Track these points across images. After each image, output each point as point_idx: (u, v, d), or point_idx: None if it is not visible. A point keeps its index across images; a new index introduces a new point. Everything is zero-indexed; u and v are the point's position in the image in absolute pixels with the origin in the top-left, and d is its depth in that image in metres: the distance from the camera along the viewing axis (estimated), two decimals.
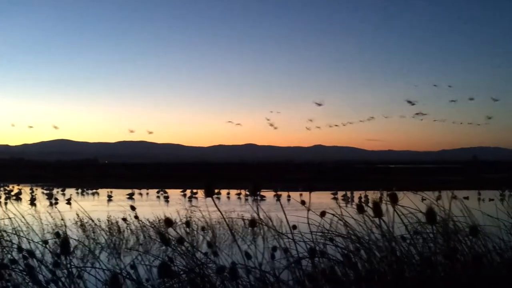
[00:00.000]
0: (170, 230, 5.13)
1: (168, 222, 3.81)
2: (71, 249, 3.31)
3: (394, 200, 3.68)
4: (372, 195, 23.63)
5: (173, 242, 4.11)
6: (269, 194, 28.60)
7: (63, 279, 4.02)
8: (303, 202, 4.21)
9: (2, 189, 34.43)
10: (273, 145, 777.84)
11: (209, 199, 3.35)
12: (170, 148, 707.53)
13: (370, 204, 3.82)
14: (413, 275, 4.10)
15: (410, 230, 4.69)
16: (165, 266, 2.83)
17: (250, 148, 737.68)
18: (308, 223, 4.55)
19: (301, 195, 24.15)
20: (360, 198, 25.75)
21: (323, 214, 4.36)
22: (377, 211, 3.48)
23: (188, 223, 8.62)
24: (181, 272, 3.84)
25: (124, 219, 11.94)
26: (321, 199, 25.87)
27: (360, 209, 3.93)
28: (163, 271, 2.81)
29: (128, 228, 12.82)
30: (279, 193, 27.37)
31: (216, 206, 3.55)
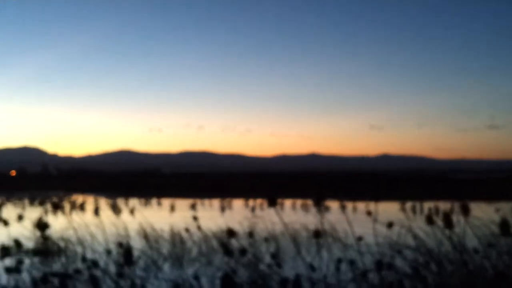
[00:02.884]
0: (233, 241, 5.08)
1: (231, 233, 3.75)
2: (134, 259, 3.29)
3: (465, 211, 3.48)
4: (443, 206, 22.95)
5: (236, 253, 4.05)
6: (334, 205, 28.25)
7: None
8: (369, 213, 4.06)
9: (66, 199, 35.46)
10: (337, 155, 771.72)
11: (272, 209, 3.27)
12: (232, 158, 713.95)
13: (440, 215, 3.64)
14: None
15: (483, 242, 4.47)
16: (227, 278, 2.76)
17: (313, 157, 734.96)
18: (375, 235, 4.40)
19: (367, 205, 23.74)
20: (429, 209, 25.03)
21: (390, 225, 4.19)
22: (448, 222, 3.29)
23: (251, 234, 8.56)
24: (244, 284, 3.76)
25: (187, 230, 11.99)
26: (388, 210, 25.31)
27: (430, 220, 3.74)
28: (225, 282, 2.74)
29: (191, 238, 12.88)
30: (344, 203, 27.01)
31: (280, 217, 3.46)
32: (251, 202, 30.70)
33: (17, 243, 3.99)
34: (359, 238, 4.13)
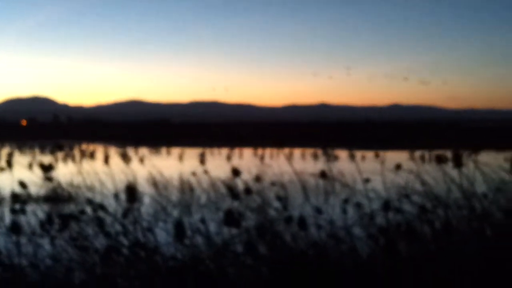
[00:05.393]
0: (240, 185, 5.04)
1: (236, 172, 3.73)
2: (138, 198, 3.28)
3: (475, 158, 3.44)
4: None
5: (242, 197, 4.03)
6: (343, 154, 28.28)
7: (133, 231, 4.03)
8: (377, 155, 4.01)
9: (77, 148, 35.68)
10: (347, 105, 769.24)
11: (281, 158, 3.22)
12: (242, 108, 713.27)
13: (450, 158, 3.59)
14: (495, 232, 3.86)
15: (491, 187, 4.44)
16: (230, 214, 2.74)
17: (323, 107, 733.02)
18: (383, 180, 4.36)
19: (376, 154, 23.70)
20: (439, 153, 24.86)
21: (398, 167, 4.15)
22: (457, 161, 3.24)
23: (258, 178, 8.56)
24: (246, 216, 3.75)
25: (195, 175, 12.01)
26: (398, 158, 25.29)
27: (439, 159, 3.69)
28: (229, 218, 2.72)
29: (199, 186, 12.93)
30: (353, 152, 27.01)
31: (288, 164, 3.43)
32: (260, 151, 30.76)
33: (23, 185, 3.99)
34: (366, 180, 4.10)
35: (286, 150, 32.01)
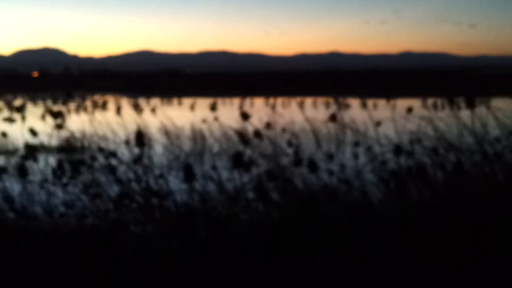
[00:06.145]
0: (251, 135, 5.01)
1: (245, 116, 3.71)
2: (147, 143, 3.28)
3: (487, 103, 3.39)
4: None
5: (252, 143, 4.02)
6: (354, 102, 28.12)
7: (145, 178, 4.06)
8: (388, 99, 3.97)
9: (89, 99, 35.74)
10: (358, 53, 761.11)
11: (292, 107, 3.19)
12: (252, 58, 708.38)
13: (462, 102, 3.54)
14: (506, 176, 3.84)
15: (504, 132, 4.40)
16: (238, 155, 2.73)
17: (334, 56, 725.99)
18: (395, 127, 4.33)
19: (388, 102, 23.55)
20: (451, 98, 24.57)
21: (409, 110, 4.11)
22: (470, 103, 3.20)
23: (269, 125, 8.55)
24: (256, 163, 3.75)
25: (205, 123, 11.96)
26: (409, 105, 25.04)
27: (451, 101, 3.65)
28: (237, 161, 2.71)
29: (211, 135, 12.93)
30: (365, 100, 26.83)
31: (299, 112, 3.39)
32: (271, 101, 30.65)
33: (34, 133, 4.01)
34: (377, 124, 4.07)
35: (297, 99, 31.88)
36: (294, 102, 30.29)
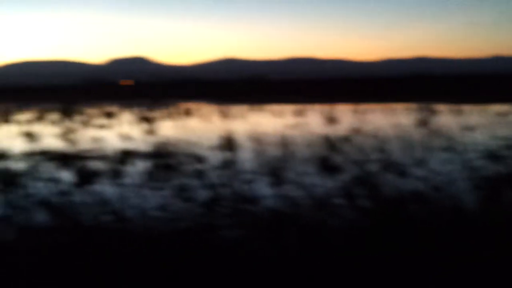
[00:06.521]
0: (339, 141, 5.04)
1: (331, 121, 3.71)
2: (236, 149, 3.36)
3: None
4: None
5: (341, 148, 4.03)
6: (444, 107, 27.32)
7: (233, 183, 4.16)
8: (478, 105, 3.86)
9: (177, 106, 36.58)
10: (448, 57, 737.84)
11: (380, 114, 3.19)
12: (337, 63, 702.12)
13: None
14: None
15: None
16: (325, 161, 2.76)
17: (421, 61, 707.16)
18: (487, 134, 4.21)
19: (478, 107, 22.63)
20: None
21: (502, 115, 3.97)
22: None
23: (356, 130, 8.49)
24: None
25: (292, 128, 11.97)
26: (502, 111, 24.06)
27: None
28: (323, 165, 2.75)
29: (298, 141, 12.91)
30: (457, 106, 25.99)
31: (387, 117, 3.38)
32: (358, 106, 30.22)
33: (126, 137, 4.17)
34: (469, 129, 3.97)
35: (384, 105, 31.32)
36: (381, 108, 29.80)
